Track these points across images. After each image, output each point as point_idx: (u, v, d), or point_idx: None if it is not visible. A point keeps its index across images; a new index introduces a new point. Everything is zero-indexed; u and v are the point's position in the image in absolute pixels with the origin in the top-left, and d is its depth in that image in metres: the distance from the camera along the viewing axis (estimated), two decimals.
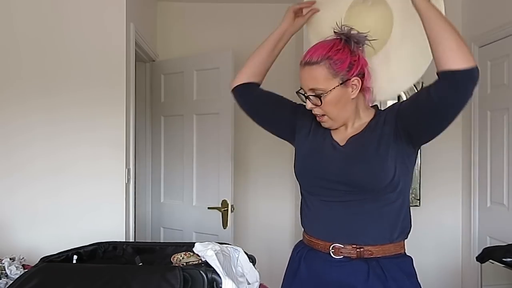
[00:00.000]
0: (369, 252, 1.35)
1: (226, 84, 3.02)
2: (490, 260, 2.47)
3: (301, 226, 1.54)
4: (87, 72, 2.54)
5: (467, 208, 3.30)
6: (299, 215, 1.57)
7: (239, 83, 1.64)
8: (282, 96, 1.65)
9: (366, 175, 1.34)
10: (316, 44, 1.41)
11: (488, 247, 2.65)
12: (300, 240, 1.55)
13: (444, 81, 1.22)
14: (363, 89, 1.42)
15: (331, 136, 1.47)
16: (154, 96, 3.46)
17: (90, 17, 2.55)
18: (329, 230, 1.40)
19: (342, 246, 1.37)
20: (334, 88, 1.36)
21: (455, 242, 3.39)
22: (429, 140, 1.35)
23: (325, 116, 1.42)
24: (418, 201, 3.35)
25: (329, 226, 1.41)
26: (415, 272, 1.42)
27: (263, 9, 3.63)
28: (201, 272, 1.30)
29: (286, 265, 1.58)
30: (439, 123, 1.28)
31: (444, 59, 1.21)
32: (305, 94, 1.41)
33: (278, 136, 1.64)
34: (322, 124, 1.46)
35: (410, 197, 3.32)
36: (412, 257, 1.44)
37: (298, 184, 1.54)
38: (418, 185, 3.35)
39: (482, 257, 2.51)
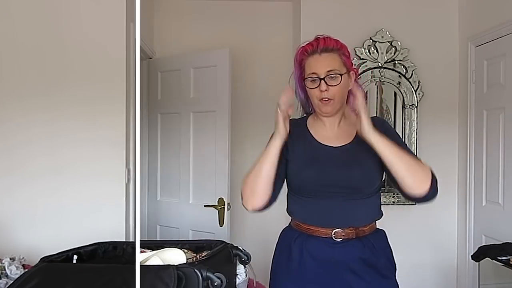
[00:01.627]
0: (363, 231, 1.60)
1: (223, 82, 3.04)
2: (485, 259, 2.48)
3: (290, 216, 1.72)
4: (87, 72, 2.55)
5: (463, 207, 3.31)
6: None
7: (258, 208, 1.62)
8: (279, 162, 1.60)
9: (364, 179, 1.58)
10: (324, 36, 1.60)
11: (483, 245, 2.66)
12: (289, 229, 1.72)
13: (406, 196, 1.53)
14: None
15: (316, 140, 1.63)
16: (151, 93, 3.46)
17: (90, 16, 2.55)
18: (329, 219, 1.60)
19: (342, 230, 1.58)
20: (345, 73, 1.58)
21: (451, 241, 3.40)
22: None
23: (332, 101, 1.57)
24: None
25: (329, 215, 1.60)
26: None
27: (260, 7, 3.63)
28: (195, 270, 1.30)
29: (275, 252, 1.75)
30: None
31: (402, 186, 1.50)
32: (319, 77, 1.55)
33: None
34: (323, 109, 1.59)
35: None
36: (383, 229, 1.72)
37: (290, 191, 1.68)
38: None
39: (478, 256, 2.52)
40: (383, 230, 1.71)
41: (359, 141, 1.54)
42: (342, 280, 1.60)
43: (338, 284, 1.61)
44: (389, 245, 1.71)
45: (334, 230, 1.58)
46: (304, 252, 1.63)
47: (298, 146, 1.63)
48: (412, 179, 1.47)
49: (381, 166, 1.54)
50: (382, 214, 1.70)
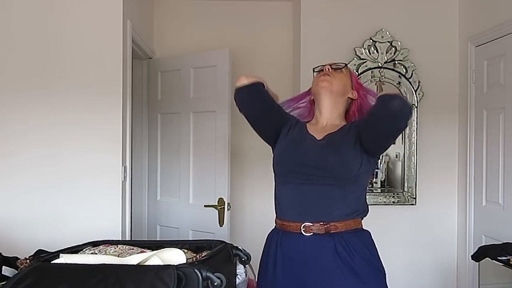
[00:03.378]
0: (334, 227, 1.61)
1: (223, 82, 3.04)
2: (485, 259, 2.48)
3: (274, 213, 1.77)
4: (83, 71, 2.53)
5: (463, 207, 3.31)
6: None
7: (251, 82, 1.76)
8: (278, 104, 1.85)
9: (339, 164, 1.62)
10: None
11: (483, 245, 2.66)
12: (273, 229, 1.77)
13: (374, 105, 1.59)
14: (353, 109, 1.79)
15: (307, 131, 1.75)
16: (150, 93, 3.45)
17: (86, 14, 2.54)
18: (300, 212, 1.65)
19: (312, 224, 1.61)
20: (346, 75, 1.79)
21: (451, 241, 3.40)
22: (376, 153, 1.71)
23: (331, 79, 1.73)
24: (414, 200, 3.36)
25: (300, 208, 1.65)
26: (373, 242, 1.70)
27: (260, 7, 3.63)
28: (195, 270, 1.30)
29: (261, 253, 1.76)
30: (376, 136, 1.61)
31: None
32: (329, 63, 1.78)
33: (264, 136, 1.85)
34: (321, 83, 1.74)
35: (406, 196, 3.34)
36: (369, 231, 1.70)
37: (274, 177, 1.75)
38: (414, 184, 3.36)
39: (478, 256, 2.52)
40: (367, 231, 1.69)
41: (341, 131, 1.69)
42: (313, 278, 1.59)
43: (307, 282, 1.60)
44: (372, 247, 1.67)
45: (304, 224, 1.61)
46: (278, 250, 1.67)
47: (290, 131, 1.78)
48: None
49: (360, 155, 1.63)
50: (363, 214, 1.69)
